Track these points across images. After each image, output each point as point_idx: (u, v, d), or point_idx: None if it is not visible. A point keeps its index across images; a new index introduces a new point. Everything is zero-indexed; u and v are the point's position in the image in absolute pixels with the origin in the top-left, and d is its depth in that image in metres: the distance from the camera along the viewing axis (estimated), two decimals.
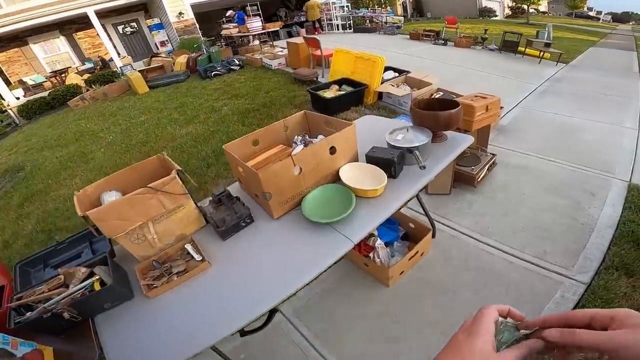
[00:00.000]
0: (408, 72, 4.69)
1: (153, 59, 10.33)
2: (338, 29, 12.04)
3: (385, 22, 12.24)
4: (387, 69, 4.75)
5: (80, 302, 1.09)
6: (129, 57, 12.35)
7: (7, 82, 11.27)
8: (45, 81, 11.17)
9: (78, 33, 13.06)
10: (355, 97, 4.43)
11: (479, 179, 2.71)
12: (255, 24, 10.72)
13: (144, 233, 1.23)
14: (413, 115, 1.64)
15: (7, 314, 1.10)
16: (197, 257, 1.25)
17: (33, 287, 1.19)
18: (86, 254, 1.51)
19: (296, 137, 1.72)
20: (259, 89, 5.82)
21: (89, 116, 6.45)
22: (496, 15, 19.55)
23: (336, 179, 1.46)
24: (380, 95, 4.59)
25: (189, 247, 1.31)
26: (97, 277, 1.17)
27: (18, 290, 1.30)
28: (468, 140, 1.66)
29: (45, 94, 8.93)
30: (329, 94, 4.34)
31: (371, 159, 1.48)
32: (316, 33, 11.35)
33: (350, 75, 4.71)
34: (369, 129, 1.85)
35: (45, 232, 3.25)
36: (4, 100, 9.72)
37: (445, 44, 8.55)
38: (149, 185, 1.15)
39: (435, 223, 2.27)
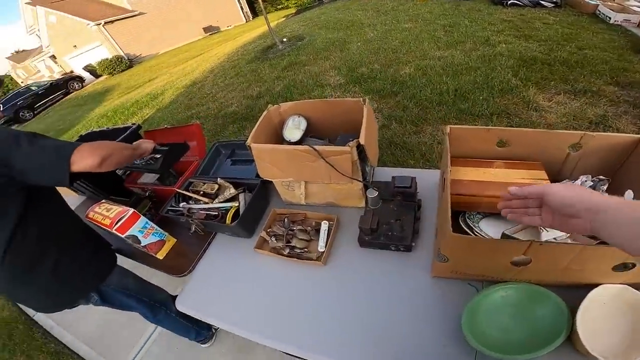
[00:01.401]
0: None
1: None
2: None
3: None
4: None
5: (207, 224, 1.14)
6: None
7: None
8: None
9: None
10: None
11: None
12: None
13: (293, 186, 1.07)
14: None
15: (175, 196, 1.23)
16: (320, 247, 0.99)
17: (202, 179, 1.26)
18: None
19: (582, 177, 0.80)
20: (568, 39, 3.80)
21: (366, 9, 6.60)
22: None
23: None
24: None
25: (324, 226, 1.02)
26: (236, 205, 1.13)
27: (202, 166, 1.38)
28: None
29: None
30: None
31: None
32: None
33: None
34: None
35: (282, 98, 3.69)
36: None
37: None
38: (315, 147, 0.87)
39: None
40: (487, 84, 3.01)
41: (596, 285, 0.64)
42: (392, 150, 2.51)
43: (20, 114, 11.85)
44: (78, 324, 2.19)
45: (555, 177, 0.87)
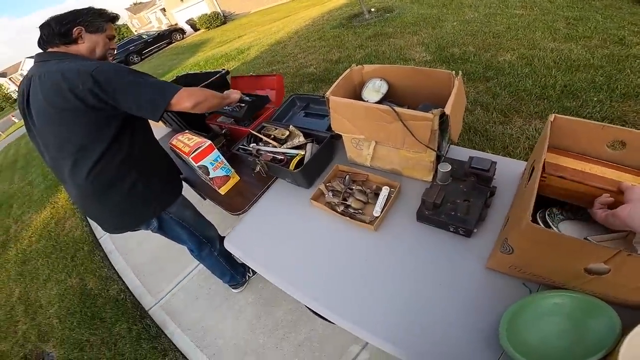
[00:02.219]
0: None
1: None
2: None
3: None
4: None
5: (271, 167, 1.19)
6: None
7: None
8: None
9: None
10: None
11: None
12: None
13: (362, 145, 1.06)
14: None
15: (248, 136, 1.33)
16: (376, 212, 0.97)
17: (275, 124, 1.32)
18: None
19: None
20: None
21: None
22: None
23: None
24: None
25: (385, 191, 1.00)
26: (302, 154, 1.16)
27: (277, 114, 1.44)
28: None
29: None
30: None
31: None
32: None
33: None
34: None
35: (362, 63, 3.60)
36: None
37: None
38: (395, 109, 0.84)
39: None
40: (607, 86, 2.50)
41: None
42: (470, 136, 2.30)
43: (130, 58, 13.78)
44: (133, 252, 2.43)
45: None
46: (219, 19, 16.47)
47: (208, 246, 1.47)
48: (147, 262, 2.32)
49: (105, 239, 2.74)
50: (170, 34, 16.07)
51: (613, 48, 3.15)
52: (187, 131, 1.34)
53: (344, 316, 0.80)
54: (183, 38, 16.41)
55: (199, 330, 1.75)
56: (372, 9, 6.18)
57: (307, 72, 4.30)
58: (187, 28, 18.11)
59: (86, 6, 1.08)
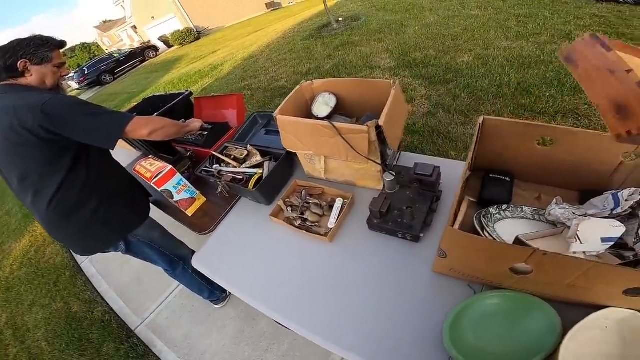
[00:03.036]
0: None
1: None
2: None
3: None
4: None
5: (232, 187, 1.22)
6: None
7: None
8: None
9: None
10: None
11: None
12: None
13: (314, 160, 1.11)
14: None
15: (210, 158, 1.34)
16: (330, 224, 1.01)
17: (235, 144, 1.35)
18: None
19: (631, 189, 0.66)
20: None
21: None
22: None
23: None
24: None
25: (338, 203, 1.04)
26: (260, 172, 1.19)
27: (239, 133, 1.46)
28: None
29: None
30: None
31: None
32: None
33: None
34: None
35: (330, 76, 3.69)
36: None
37: None
38: (334, 124, 0.88)
39: None
40: (558, 80, 2.67)
41: (602, 307, 0.58)
42: (434, 139, 2.40)
43: (102, 77, 13.48)
44: (115, 274, 2.45)
45: (601, 188, 0.77)
46: (192, 35, 16.42)
47: (181, 264, 1.48)
48: (129, 283, 2.34)
49: (87, 264, 2.75)
50: (143, 52, 15.86)
51: (561, 43, 3.37)
52: (150, 156, 1.35)
53: (308, 328, 0.82)
54: (156, 55, 16.24)
55: (185, 347, 1.77)
56: (340, 19, 6.35)
57: (278, 86, 4.36)
58: (161, 45, 17.95)
59: (30, 35, 1.06)
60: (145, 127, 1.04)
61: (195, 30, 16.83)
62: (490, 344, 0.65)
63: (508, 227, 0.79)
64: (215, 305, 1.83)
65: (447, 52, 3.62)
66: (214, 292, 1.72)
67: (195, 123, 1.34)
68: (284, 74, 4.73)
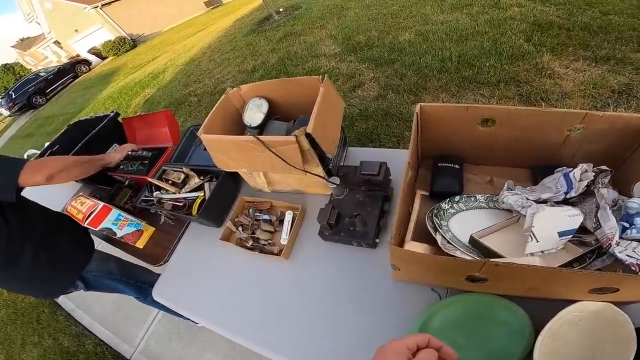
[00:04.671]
0: None
1: None
2: None
3: None
4: None
5: (175, 215, 1.14)
6: None
7: None
8: None
9: None
10: None
11: None
12: None
13: (254, 174, 1.02)
14: None
15: (147, 185, 1.20)
16: (283, 240, 0.94)
17: (174, 166, 1.21)
18: None
19: (582, 165, 0.67)
20: (591, 3, 3.29)
21: None
22: None
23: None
24: None
25: (288, 216, 0.96)
26: (202, 195, 1.10)
27: (177, 152, 1.32)
28: None
29: None
30: None
31: None
32: None
33: None
34: None
35: (277, 71, 3.55)
36: None
37: None
38: (261, 138, 0.79)
39: None
40: (495, 50, 2.75)
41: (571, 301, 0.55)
42: (388, 122, 2.40)
43: (33, 99, 12.06)
44: (94, 306, 2.37)
45: (552, 163, 0.75)
46: (127, 43, 15.16)
47: (150, 289, 1.38)
48: (110, 313, 2.28)
49: (63, 299, 2.59)
50: (74, 67, 14.35)
51: (492, 12, 3.47)
52: (80, 194, 1.21)
53: (273, 349, 0.79)
54: (90, 69, 14.82)
55: None
56: (281, 9, 6.14)
57: (224, 88, 4.07)
58: (93, 58, 16.39)
59: None
60: (39, 172, 0.90)
61: (129, 38, 15.54)
62: (461, 349, 0.62)
63: (463, 221, 0.76)
64: (198, 325, 1.75)
65: (388, 32, 3.62)
66: None
67: (114, 154, 1.21)
68: (229, 74, 4.50)
